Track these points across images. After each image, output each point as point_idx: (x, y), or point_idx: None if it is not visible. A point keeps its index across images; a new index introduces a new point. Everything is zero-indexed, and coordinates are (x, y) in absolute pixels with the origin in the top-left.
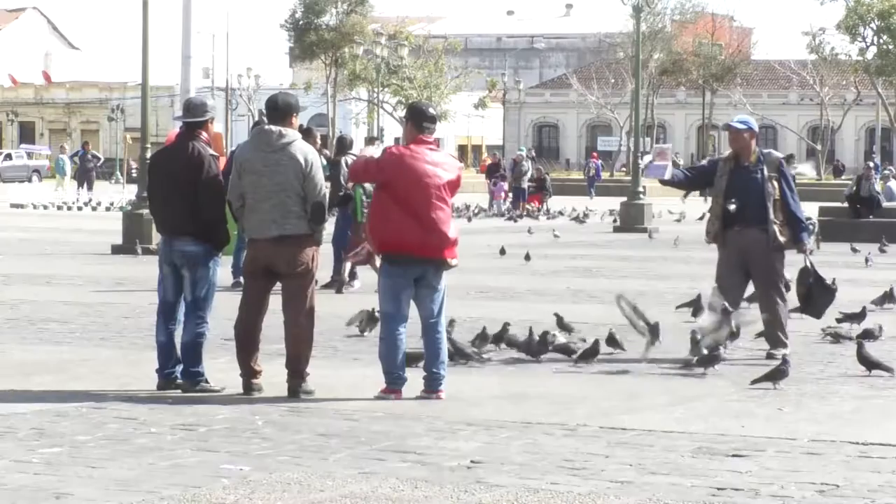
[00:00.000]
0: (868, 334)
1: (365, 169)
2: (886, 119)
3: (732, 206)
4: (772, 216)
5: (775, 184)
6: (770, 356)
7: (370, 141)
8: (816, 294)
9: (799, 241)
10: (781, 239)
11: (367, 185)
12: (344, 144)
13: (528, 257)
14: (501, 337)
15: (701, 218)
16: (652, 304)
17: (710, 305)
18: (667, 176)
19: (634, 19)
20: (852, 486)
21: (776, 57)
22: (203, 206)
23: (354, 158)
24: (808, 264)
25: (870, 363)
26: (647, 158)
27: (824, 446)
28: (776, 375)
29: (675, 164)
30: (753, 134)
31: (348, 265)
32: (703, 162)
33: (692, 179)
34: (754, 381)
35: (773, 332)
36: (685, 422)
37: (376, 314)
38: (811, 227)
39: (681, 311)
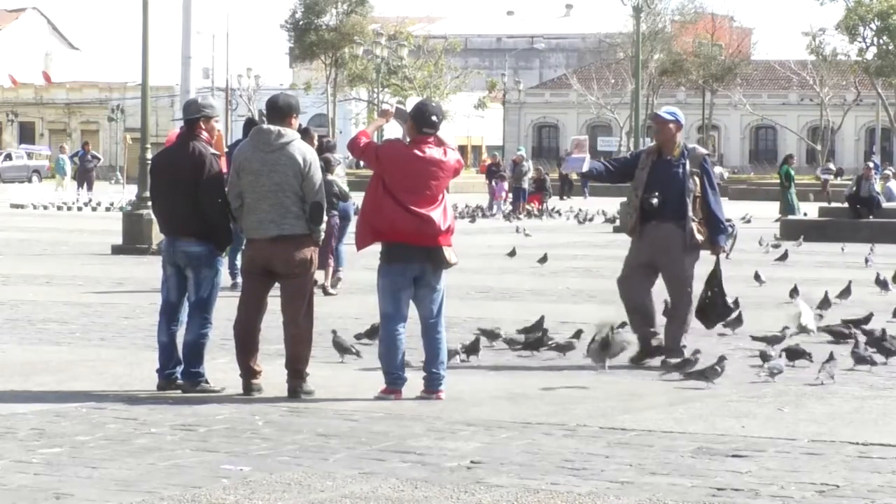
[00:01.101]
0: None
1: (364, 150)
2: (886, 119)
3: (655, 200)
4: (690, 213)
5: (696, 180)
6: (665, 363)
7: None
8: (717, 304)
9: (714, 242)
10: (699, 237)
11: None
12: (321, 145)
13: (545, 259)
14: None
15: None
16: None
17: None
18: (585, 168)
19: (634, 19)
20: (852, 486)
21: (776, 57)
22: (205, 206)
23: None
24: (717, 270)
25: (795, 353)
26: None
27: (824, 446)
28: (709, 374)
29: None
30: (679, 126)
31: (330, 269)
32: (626, 154)
33: (613, 172)
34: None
35: (673, 339)
36: (685, 422)
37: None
38: (730, 229)
39: None
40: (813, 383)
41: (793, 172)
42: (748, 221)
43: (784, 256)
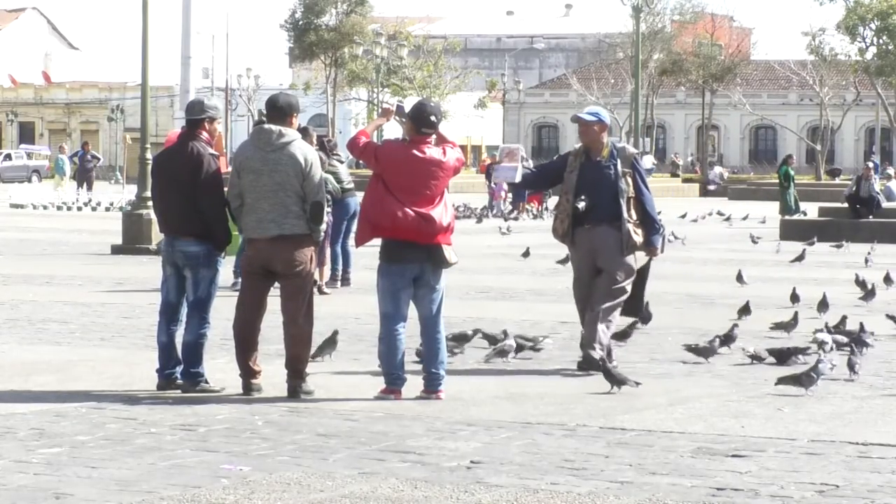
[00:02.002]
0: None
1: (363, 150)
2: (886, 119)
3: (582, 205)
4: (625, 214)
5: (629, 180)
6: (605, 362)
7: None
8: (634, 297)
9: (650, 244)
10: (636, 239)
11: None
12: (323, 145)
13: (565, 260)
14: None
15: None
16: (651, 304)
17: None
18: (517, 178)
19: (634, 19)
20: (852, 486)
21: (776, 57)
22: (203, 206)
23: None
24: (645, 271)
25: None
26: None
27: (824, 446)
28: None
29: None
30: (604, 126)
31: (327, 270)
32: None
33: (541, 179)
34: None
35: (591, 331)
36: (685, 422)
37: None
38: (661, 228)
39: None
40: (849, 378)
41: (792, 172)
42: (763, 222)
43: (801, 257)
